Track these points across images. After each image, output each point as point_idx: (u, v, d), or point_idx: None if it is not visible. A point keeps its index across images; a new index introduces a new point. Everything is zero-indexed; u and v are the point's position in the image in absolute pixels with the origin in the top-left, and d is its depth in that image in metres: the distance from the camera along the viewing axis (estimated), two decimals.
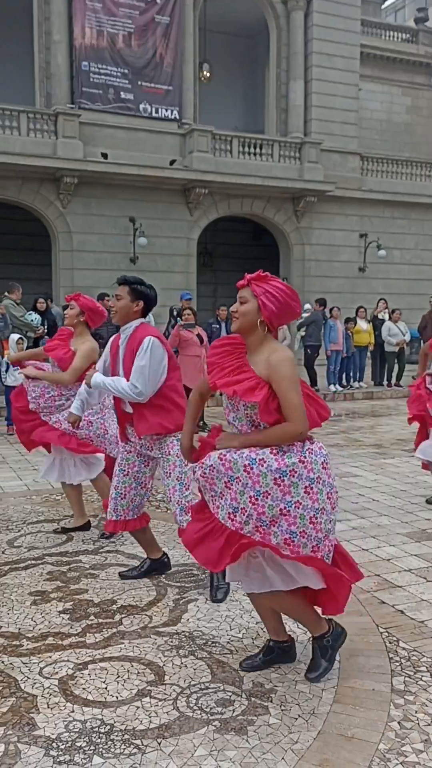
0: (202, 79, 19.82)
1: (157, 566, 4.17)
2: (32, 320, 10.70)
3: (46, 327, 11.07)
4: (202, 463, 2.80)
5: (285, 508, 2.65)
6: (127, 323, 3.89)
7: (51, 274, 18.26)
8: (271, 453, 2.68)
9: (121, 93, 17.86)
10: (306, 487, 2.67)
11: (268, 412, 2.71)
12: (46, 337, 11.13)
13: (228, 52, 21.07)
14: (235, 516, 2.70)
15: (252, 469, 2.66)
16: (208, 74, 20.15)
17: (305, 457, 2.71)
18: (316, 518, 2.68)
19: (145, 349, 3.73)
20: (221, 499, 2.75)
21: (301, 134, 20.09)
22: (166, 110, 18.46)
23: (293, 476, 2.66)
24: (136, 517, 4.03)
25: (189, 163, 18.28)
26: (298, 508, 2.66)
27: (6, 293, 11.00)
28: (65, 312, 5.07)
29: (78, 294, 4.97)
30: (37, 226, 18.14)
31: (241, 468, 2.68)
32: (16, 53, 18.46)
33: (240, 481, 2.68)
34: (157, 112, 18.34)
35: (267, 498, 2.65)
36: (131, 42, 17.92)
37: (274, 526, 2.66)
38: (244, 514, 2.68)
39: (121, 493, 3.97)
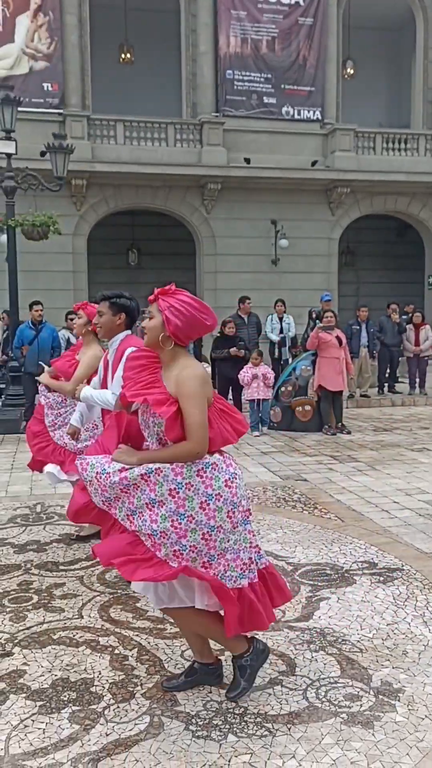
0: (346, 77, 19.67)
1: None
2: None
3: None
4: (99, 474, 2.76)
5: (177, 520, 2.62)
6: (113, 337, 3.96)
7: (195, 278, 18.91)
8: (169, 464, 2.66)
9: (264, 98, 18.14)
10: (202, 502, 2.64)
11: (173, 430, 2.65)
12: None
13: (371, 48, 20.73)
14: (133, 518, 2.70)
15: (149, 477, 2.65)
16: (351, 71, 19.97)
17: (206, 471, 2.67)
18: (210, 535, 2.65)
19: (124, 360, 3.77)
20: (118, 501, 2.74)
21: None
22: (308, 111, 18.52)
23: (188, 490, 2.63)
24: None
25: (331, 163, 18.24)
26: (191, 522, 2.63)
27: None
28: (72, 322, 5.13)
29: (85, 303, 5.00)
30: (183, 232, 18.86)
31: (138, 476, 2.67)
32: (165, 67, 19.26)
33: (138, 487, 2.68)
34: (299, 113, 18.45)
35: (161, 507, 2.64)
36: (274, 46, 18.15)
37: (164, 537, 2.64)
38: (140, 518, 2.68)
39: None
